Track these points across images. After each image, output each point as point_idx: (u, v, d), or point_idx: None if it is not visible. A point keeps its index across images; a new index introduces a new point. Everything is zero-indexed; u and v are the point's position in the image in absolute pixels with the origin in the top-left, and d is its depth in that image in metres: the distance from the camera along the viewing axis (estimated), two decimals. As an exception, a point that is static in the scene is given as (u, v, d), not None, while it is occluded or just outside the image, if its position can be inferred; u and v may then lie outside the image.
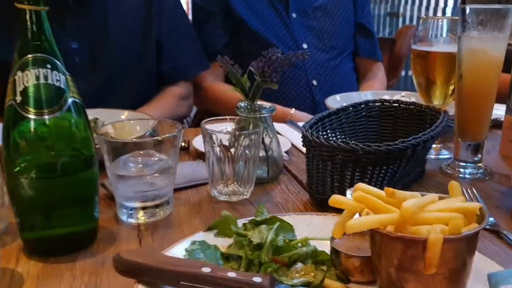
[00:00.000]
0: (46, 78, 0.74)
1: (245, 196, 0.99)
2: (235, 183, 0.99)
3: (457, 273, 0.60)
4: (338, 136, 1.11)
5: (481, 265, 0.69)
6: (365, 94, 1.61)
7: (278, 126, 1.43)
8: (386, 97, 1.49)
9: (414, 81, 1.23)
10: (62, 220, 0.79)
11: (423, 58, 1.18)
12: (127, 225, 0.89)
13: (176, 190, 1.02)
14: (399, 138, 1.13)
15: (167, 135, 0.87)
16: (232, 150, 0.97)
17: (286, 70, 1.79)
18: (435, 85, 1.18)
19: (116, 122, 1.17)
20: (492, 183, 1.09)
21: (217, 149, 0.96)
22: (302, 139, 0.95)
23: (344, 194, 0.79)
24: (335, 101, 1.52)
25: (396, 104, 1.16)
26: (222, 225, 0.79)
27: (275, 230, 0.75)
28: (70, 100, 0.77)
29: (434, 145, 1.25)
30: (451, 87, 1.18)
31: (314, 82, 1.87)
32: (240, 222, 0.80)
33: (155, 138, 0.88)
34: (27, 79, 0.73)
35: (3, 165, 0.77)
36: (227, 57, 1.03)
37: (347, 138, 1.12)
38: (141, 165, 0.89)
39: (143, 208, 0.90)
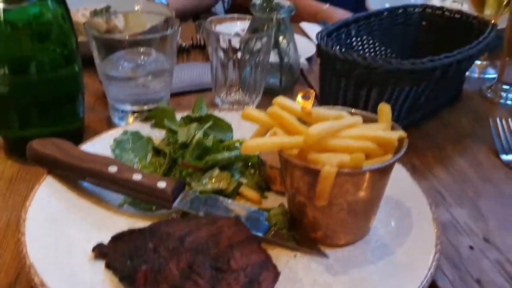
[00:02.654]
0: (12, -40, 0.64)
1: (250, 107, 0.90)
2: (240, 91, 0.90)
3: (357, 205, 0.56)
4: (366, 47, 0.97)
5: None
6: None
7: (307, 26, 1.29)
8: (437, 0, 1.31)
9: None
10: (40, 120, 0.74)
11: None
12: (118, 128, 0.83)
13: (178, 93, 0.95)
14: (440, 53, 1.00)
15: (157, 34, 0.78)
16: (238, 54, 0.86)
17: None
18: (489, -9, 1.00)
19: (128, 13, 1.09)
20: (538, 113, 0.94)
21: (221, 53, 0.86)
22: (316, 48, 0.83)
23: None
24: (378, 1, 1.35)
25: (440, 12, 1.00)
26: (160, 117, 0.74)
27: (207, 129, 0.70)
28: (42, -11, 0.67)
29: (478, 62, 1.09)
30: (509, -5, 0.99)
31: None
32: (179, 116, 0.75)
33: (147, 37, 0.78)
34: (-9, -39, 0.64)
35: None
36: None
37: (377, 50, 0.99)
38: (133, 65, 0.81)
39: (134, 112, 0.83)
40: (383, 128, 0.57)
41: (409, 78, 0.76)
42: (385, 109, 0.58)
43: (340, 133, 0.55)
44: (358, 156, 0.52)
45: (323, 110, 0.57)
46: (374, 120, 0.59)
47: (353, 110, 0.61)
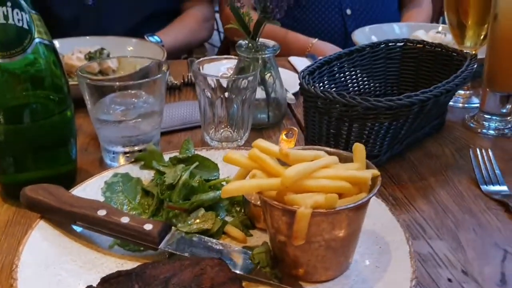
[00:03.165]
0: (6, 17, 0.68)
1: (238, 143, 0.93)
2: (228, 128, 0.93)
3: (335, 242, 0.58)
4: (349, 82, 1.00)
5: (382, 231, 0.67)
6: (399, 27, 1.45)
7: (296, 60, 1.33)
8: (421, 31, 1.35)
9: (446, 19, 1.09)
10: (35, 164, 0.77)
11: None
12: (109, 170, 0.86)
13: (169, 132, 0.98)
14: (421, 85, 1.04)
15: (145, 80, 0.81)
16: (226, 93, 0.90)
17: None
18: (467, 24, 1.03)
19: (121, 57, 1.13)
20: (519, 141, 0.97)
21: (208, 92, 0.89)
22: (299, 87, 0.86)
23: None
24: (364, 34, 1.39)
25: (421, 45, 1.04)
26: (148, 159, 0.77)
27: (193, 170, 0.72)
28: (36, 41, 0.71)
29: (462, 92, 1.13)
30: (486, 28, 1.03)
31: (348, 12, 1.70)
32: (167, 156, 0.78)
33: (136, 82, 0.82)
34: (-14, 18, 0.68)
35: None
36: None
37: (360, 84, 1.02)
38: (123, 109, 0.84)
39: (125, 153, 0.86)
40: (357, 168, 0.59)
41: (387, 114, 0.79)
42: (359, 148, 0.61)
43: (316, 174, 0.57)
44: (331, 196, 0.54)
45: (300, 152, 0.60)
46: (351, 159, 0.62)
47: (330, 150, 0.64)
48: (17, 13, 0.69)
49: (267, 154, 0.59)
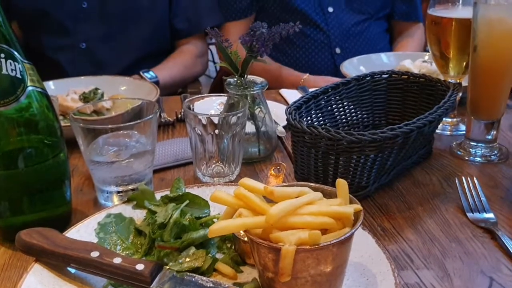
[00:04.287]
0: (0, 68, 0.71)
1: (230, 178, 0.95)
2: (219, 162, 0.95)
3: (321, 277, 0.59)
4: (337, 114, 1.03)
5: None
6: (386, 56, 1.49)
7: (287, 93, 1.37)
8: (408, 61, 1.39)
9: (429, 49, 1.12)
10: (30, 207, 0.79)
11: (437, 24, 1.06)
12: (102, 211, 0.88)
13: (162, 169, 1.00)
14: (407, 114, 1.07)
15: (137, 121, 0.84)
16: (216, 130, 0.92)
17: (309, 34, 1.70)
18: (449, 55, 1.07)
19: (114, 98, 1.16)
20: (505, 167, 0.99)
21: (199, 129, 0.92)
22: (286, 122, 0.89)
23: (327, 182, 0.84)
24: (352, 66, 1.42)
25: (405, 77, 1.07)
26: (140, 198, 0.79)
27: (184, 208, 0.74)
28: (29, 89, 0.74)
29: (449, 120, 1.15)
30: (468, 58, 1.06)
31: (338, 50, 1.74)
32: (159, 195, 0.80)
33: (128, 124, 0.84)
34: (-19, 69, 0.71)
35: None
36: (218, 32, 0.97)
37: (347, 115, 1.05)
38: (116, 149, 0.87)
39: (119, 192, 0.88)
40: (339, 203, 0.61)
41: (372, 146, 0.81)
42: (341, 184, 0.63)
43: (300, 210, 0.59)
44: (315, 233, 0.56)
45: (285, 189, 0.62)
46: (335, 194, 0.64)
47: (315, 185, 0.66)
48: (10, 64, 0.72)
49: (253, 192, 0.61)
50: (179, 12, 1.73)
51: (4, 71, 0.71)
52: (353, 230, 0.59)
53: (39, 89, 0.76)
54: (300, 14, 1.70)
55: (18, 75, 0.73)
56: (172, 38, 1.77)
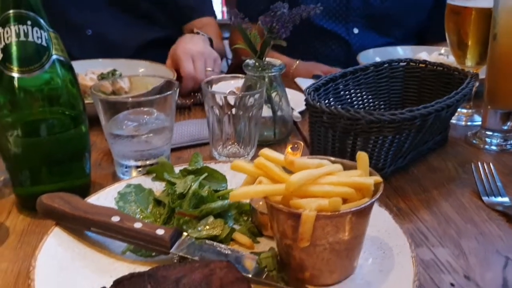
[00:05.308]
0: (26, 35, 0.72)
1: (245, 159, 0.96)
2: (235, 144, 0.96)
3: (339, 245, 0.60)
4: (354, 99, 1.03)
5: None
6: (402, 49, 1.49)
7: (301, 81, 1.37)
8: (424, 53, 1.39)
9: (447, 39, 1.12)
10: (50, 177, 0.80)
11: (457, 14, 1.07)
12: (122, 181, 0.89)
13: (178, 148, 1.01)
14: (424, 102, 1.06)
15: (156, 96, 0.85)
16: (233, 110, 0.93)
17: (331, 45, 1.67)
18: (468, 44, 1.07)
19: (133, 76, 1.17)
20: (520, 156, 0.99)
21: (216, 110, 0.92)
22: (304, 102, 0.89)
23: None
24: (368, 57, 1.42)
25: (423, 65, 1.07)
26: (160, 171, 0.80)
27: (203, 181, 0.75)
28: (53, 58, 0.75)
29: (464, 110, 1.16)
30: (486, 47, 1.06)
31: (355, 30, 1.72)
32: (178, 169, 0.81)
33: (148, 98, 0.85)
34: (8, 36, 0.72)
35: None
36: (237, 12, 0.98)
37: (365, 101, 1.05)
38: (136, 124, 0.88)
39: (137, 167, 0.89)
40: (359, 174, 0.62)
41: (391, 127, 0.81)
42: (362, 156, 0.63)
43: (320, 180, 0.60)
44: (335, 200, 0.57)
45: (304, 160, 0.63)
46: (355, 167, 0.65)
47: (334, 159, 0.67)
48: (37, 31, 0.73)
49: (272, 162, 0.62)
50: None
51: (30, 38, 0.72)
52: (373, 199, 0.59)
53: (62, 59, 0.77)
54: (325, 31, 1.69)
55: (44, 43, 0.74)
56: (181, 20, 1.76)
